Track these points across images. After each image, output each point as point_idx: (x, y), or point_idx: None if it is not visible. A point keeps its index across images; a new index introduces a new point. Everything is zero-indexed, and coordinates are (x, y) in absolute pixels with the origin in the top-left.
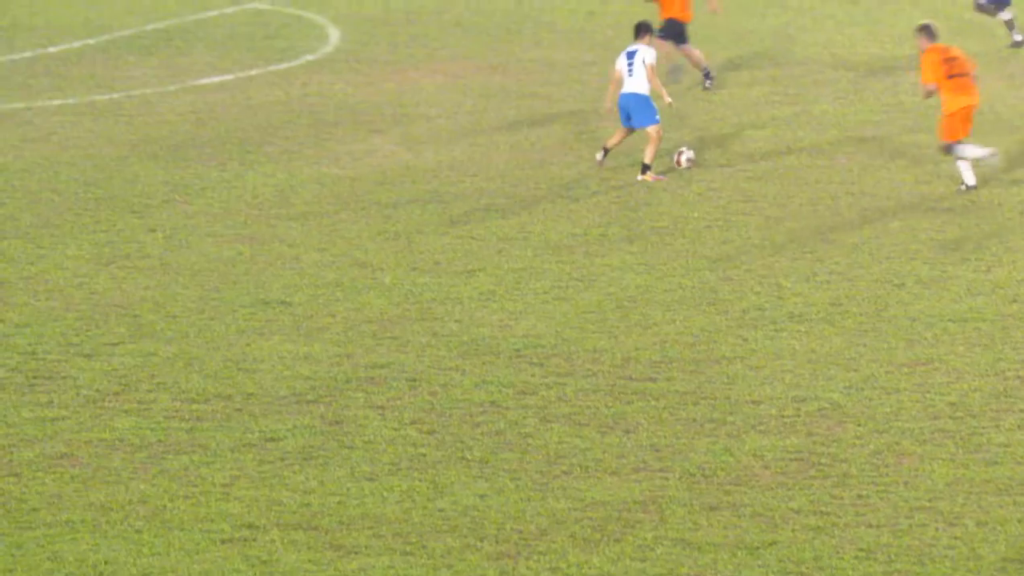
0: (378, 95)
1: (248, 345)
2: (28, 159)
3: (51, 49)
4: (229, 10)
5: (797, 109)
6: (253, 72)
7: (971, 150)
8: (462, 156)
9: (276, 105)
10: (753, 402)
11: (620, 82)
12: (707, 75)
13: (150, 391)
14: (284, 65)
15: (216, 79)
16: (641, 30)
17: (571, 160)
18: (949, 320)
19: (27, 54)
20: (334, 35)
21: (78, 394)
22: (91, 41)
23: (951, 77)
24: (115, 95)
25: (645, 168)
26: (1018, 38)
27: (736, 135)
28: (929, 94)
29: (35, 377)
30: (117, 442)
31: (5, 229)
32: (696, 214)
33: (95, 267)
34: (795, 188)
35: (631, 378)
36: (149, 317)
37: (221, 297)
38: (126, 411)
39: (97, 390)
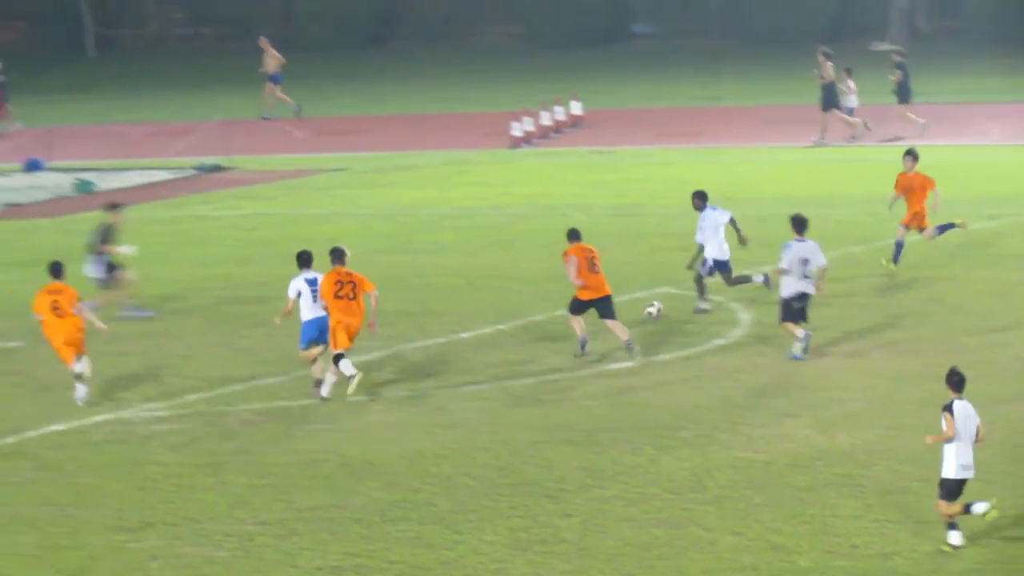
0: (789, 378)
1: None
2: (443, 444)
3: (463, 335)
4: (640, 294)
5: None
6: (665, 356)
7: None
8: (875, 439)
9: (688, 390)
10: None
11: None
12: None
13: None
14: (694, 349)
15: (628, 364)
16: None
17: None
18: None
19: (440, 339)
20: (744, 318)
21: None
22: (502, 327)
23: None
24: (529, 380)
25: None
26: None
27: None
28: None
29: None
30: None
31: (422, 514)
32: None
33: (511, 552)
34: None
35: None
36: None
37: None
38: None
39: None
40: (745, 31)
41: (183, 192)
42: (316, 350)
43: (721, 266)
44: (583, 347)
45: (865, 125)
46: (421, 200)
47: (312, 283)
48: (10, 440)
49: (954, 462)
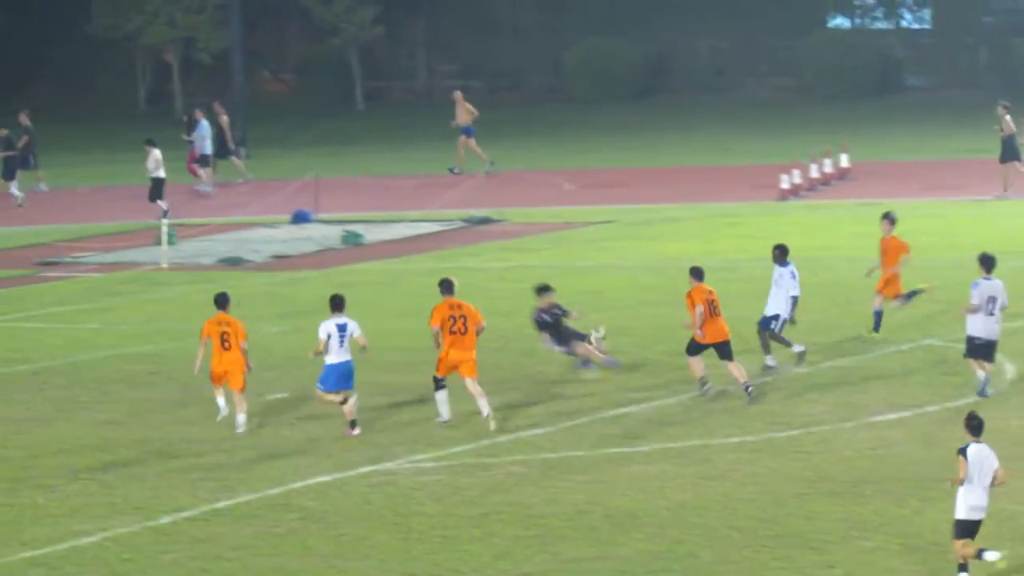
0: None
1: None
2: (707, 496)
3: (728, 385)
4: (904, 346)
5: None
6: (930, 409)
7: None
8: None
9: (954, 442)
10: None
11: None
12: None
13: None
14: (961, 401)
15: (893, 416)
16: None
17: None
18: None
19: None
20: (1009, 369)
21: None
22: (767, 378)
23: None
24: (793, 432)
25: None
26: None
27: None
28: None
29: None
30: None
31: (686, 565)
32: None
33: None
34: None
35: None
36: None
37: None
38: None
39: None
40: (1010, 83)
41: (451, 244)
42: (334, 397)
43: (773, 320)
44: (704, 386)
45: None
46: (687, 252)
47: (342, 328)
48: (276, 491)
49: (963, 503)
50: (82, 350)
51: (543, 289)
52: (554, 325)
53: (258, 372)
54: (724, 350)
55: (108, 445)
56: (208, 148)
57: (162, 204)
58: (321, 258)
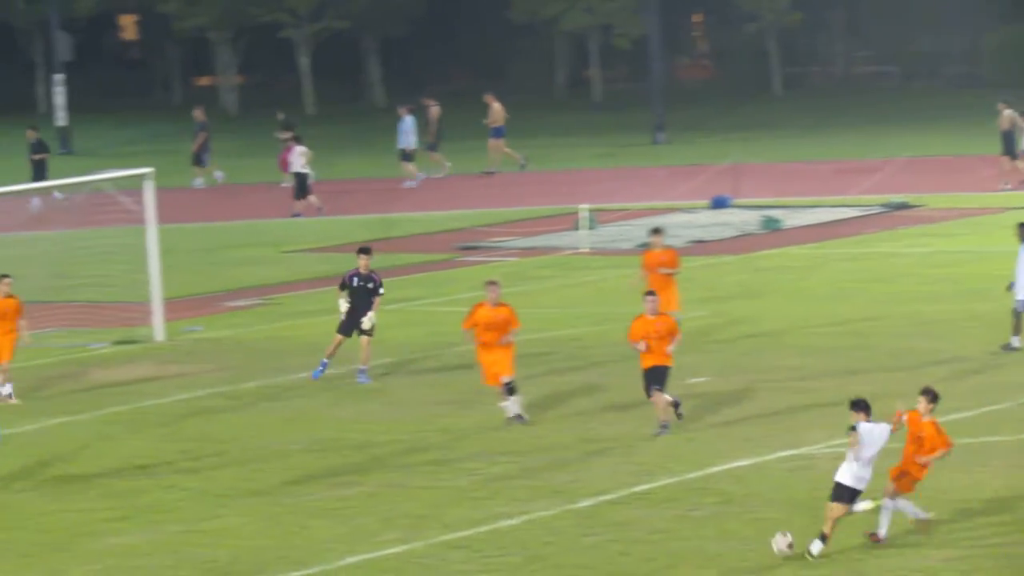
0: None
1: None
2: None
3: None
4: None
5: None
6: None
7: None
8: None
9: None
10: None
11: None
12: None
13: None
14: None
15: None
16: None
17: None
18: None
19: None
20: None
21: None
22: None
23: None
24: None
25: None
26: None
27: None
28: None
29: None
30: None
31: None
32: None
33: None
34: None
35: None
36: None
37: None
38: None
39: None
40: None
41: (869, 229)
42: None
43: None
44: None
45: None
46: None
47: None
48: (694, 475)
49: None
50: None
51: None
52: None
53: (679, 356)
54: None
55: (527, 429)
56: (411, 143)
57: (314, 200)
58: (739, 243)
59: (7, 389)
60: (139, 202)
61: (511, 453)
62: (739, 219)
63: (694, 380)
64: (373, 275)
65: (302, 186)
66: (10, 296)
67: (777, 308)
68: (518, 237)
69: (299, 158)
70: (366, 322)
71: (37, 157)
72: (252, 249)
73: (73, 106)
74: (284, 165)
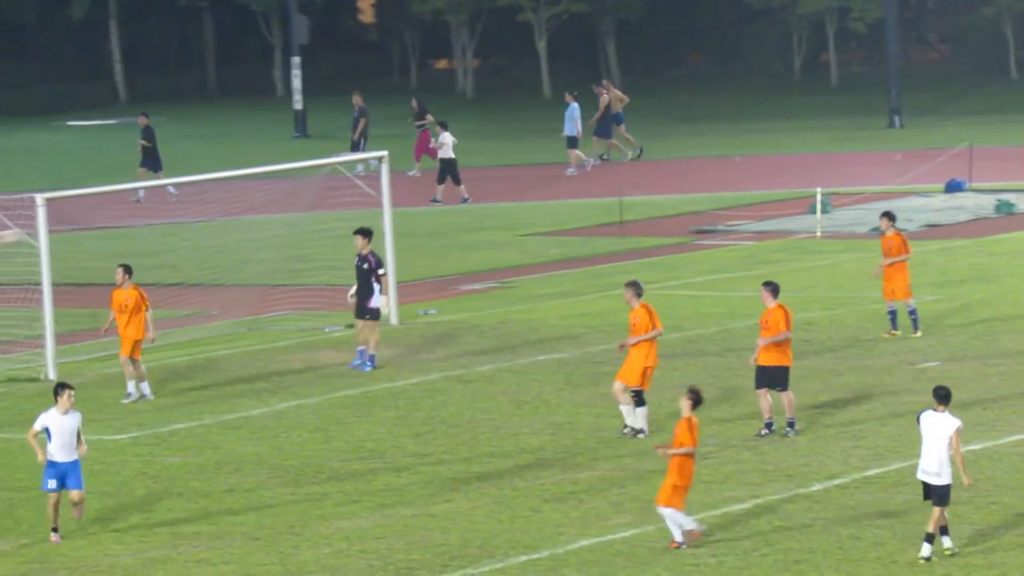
0: None
1: None
2: None
3: None
4: None
5: None
6: None
7: None
8: None
9: None
10: None
11: None
12: None
13: None
14: None
15: None
16: None
17: None
18: None
19: None
20: None
21: None
22: None
23: None
24: None
25: None
26: None
27: None
28: None
29: None
30: None
31: None
32: None
33: None
34: None
35: None
36: None
37: None
38: None
39: None
40: None
41: None
42: None
43: None
44: None
45: None
46: None
47: None
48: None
49: None
50: (736, 318)
51: None
52: None
53: (913, 340)
54: None
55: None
56: (575, 129)
57: (463, 189)
58: (974, 227)
59: (131, 387)
60: (374, 186)
61: (743, 437)
62: (973, 203)
63: (925, 364)
64: (369, 256)
65: (451, 172)
66: (130, 287)
67: (1010, 292)
68: (753, 220)
69: (446, 144)
70: (384, 306)
71: (145, 143)
72: (487, 233)
73: (309, 89)
74: (425, 152)
